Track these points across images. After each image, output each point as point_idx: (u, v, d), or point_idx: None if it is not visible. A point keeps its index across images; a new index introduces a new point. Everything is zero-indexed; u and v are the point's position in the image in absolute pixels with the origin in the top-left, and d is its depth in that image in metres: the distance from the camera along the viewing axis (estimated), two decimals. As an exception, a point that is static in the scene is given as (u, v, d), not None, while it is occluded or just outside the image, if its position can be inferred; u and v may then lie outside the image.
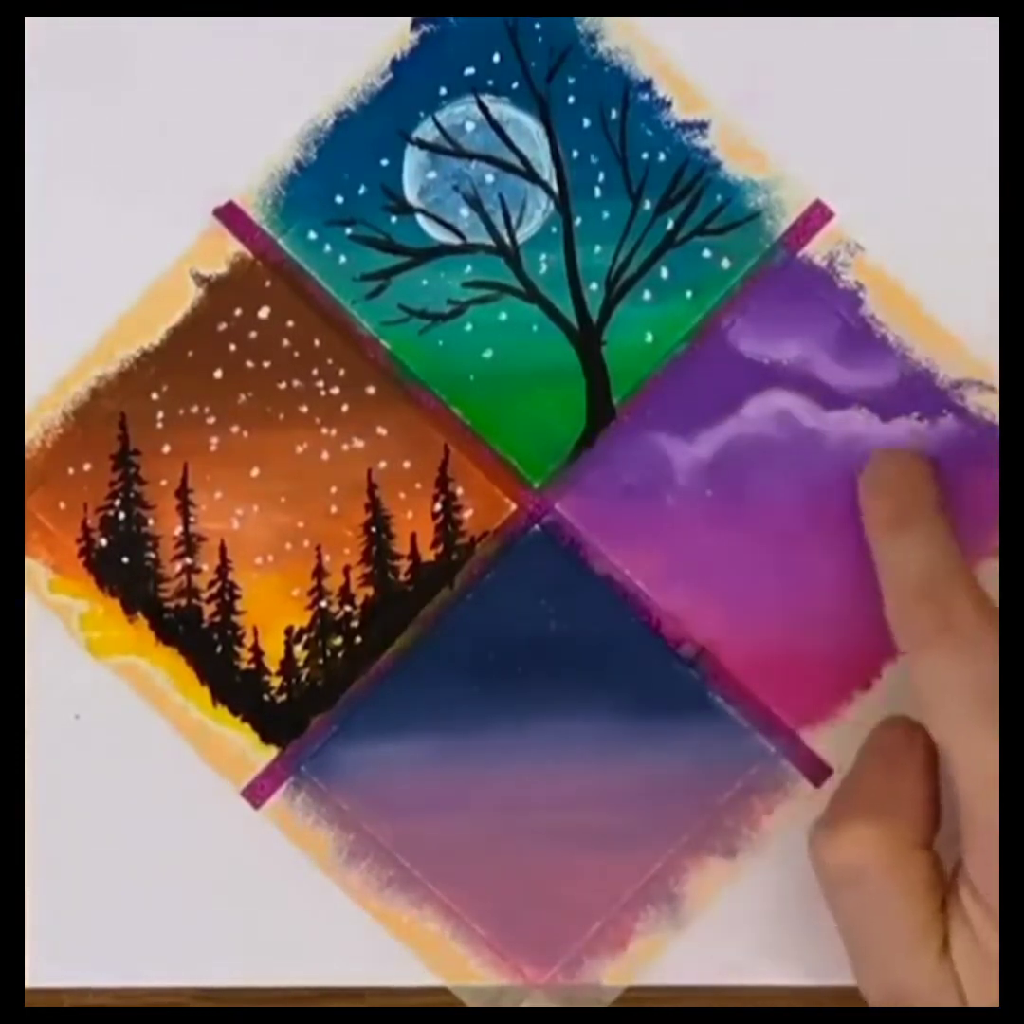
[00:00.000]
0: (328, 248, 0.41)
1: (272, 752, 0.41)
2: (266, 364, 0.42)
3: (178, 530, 0.42)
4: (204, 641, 0.41)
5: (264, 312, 0.42)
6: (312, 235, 0.41)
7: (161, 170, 0.41)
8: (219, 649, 0.41)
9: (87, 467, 0.42)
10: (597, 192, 0.41)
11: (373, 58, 0.41)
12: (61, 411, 0.41)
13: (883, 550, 0.38)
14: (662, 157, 0.41)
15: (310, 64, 0.41)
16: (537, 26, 0.41)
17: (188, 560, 0.42)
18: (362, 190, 0.41)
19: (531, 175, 0.41)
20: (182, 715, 0.41)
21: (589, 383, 0.41)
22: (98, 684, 0.41)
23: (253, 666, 0.41)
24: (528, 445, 0.42)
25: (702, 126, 0.41)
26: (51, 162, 0.41)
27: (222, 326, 0.42)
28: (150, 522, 0.42)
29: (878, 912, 0.36)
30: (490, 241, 0.41)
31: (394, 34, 0.41)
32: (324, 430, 0.41)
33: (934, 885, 0.36)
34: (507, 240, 0.41)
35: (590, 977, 0.41)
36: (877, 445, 0.41)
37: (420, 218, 0.41)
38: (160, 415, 0.41)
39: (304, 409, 0.42)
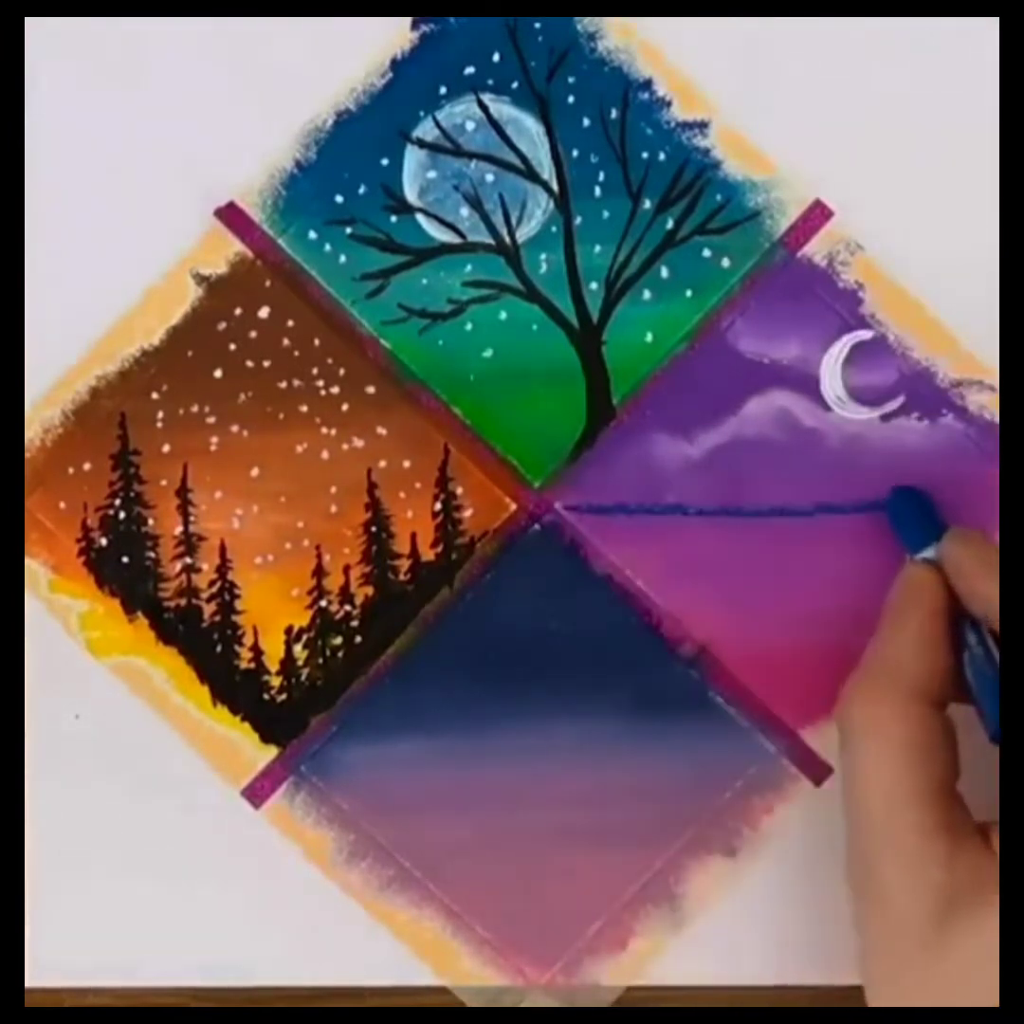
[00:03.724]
0: (328, 248, 0.41)
1: (272, 752, 0.41)
2: (266, 364, 0.42)
3: (178, 530, 0.42)
4: (204, 641, 0.41)
5: (264, 312, 0.42)
6: (312, 235, 0.41)
7: (161, 170, 0.41)
8: (219, 649, 0.41)
9: (87, 467, 0.42)
10: (597, 192, 0.41)
11: (373, 58, 0.41)
12: (61, 411, 0.41)
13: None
14: (662, 157, 0.41)
15: (310, 64, 0.41)
16: (537, 26, 0.41)
17: (188, 560, 0.42)
18: (362, 190, 0.41)
19: (531, 175, 0.41)
20: (182, 715, 0.41)
21: (589, 383, 0.41)
22: (98, 684, 0.41)
23: (253, 666, 0.41)
24: (528, 445, 0.42)
25: (702, 126, 0.41)
26: (51, 162, 0.41)
27: (222, 326, 0.42)
28: (150, 522, 0.42)
29: (874, 771, 0.36)
30: (490, 241, 0.41)
31: (394, 34, 0.41)
32: (324, 430, 0.41)
33: (934, 747, 0.35)
34: (507, 240, 0.41)
35: (590, 977, 0.41)
36: (877, 445, 0.41)
37: (420, 217, 0.41)
38: (160, 415, 0.41)
39: (304, 409, 0.42)
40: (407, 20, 0.41)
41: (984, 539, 0.38)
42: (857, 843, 0.36)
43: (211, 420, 0.41)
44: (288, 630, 0.41)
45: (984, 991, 0.33)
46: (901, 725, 0.36)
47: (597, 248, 0.41)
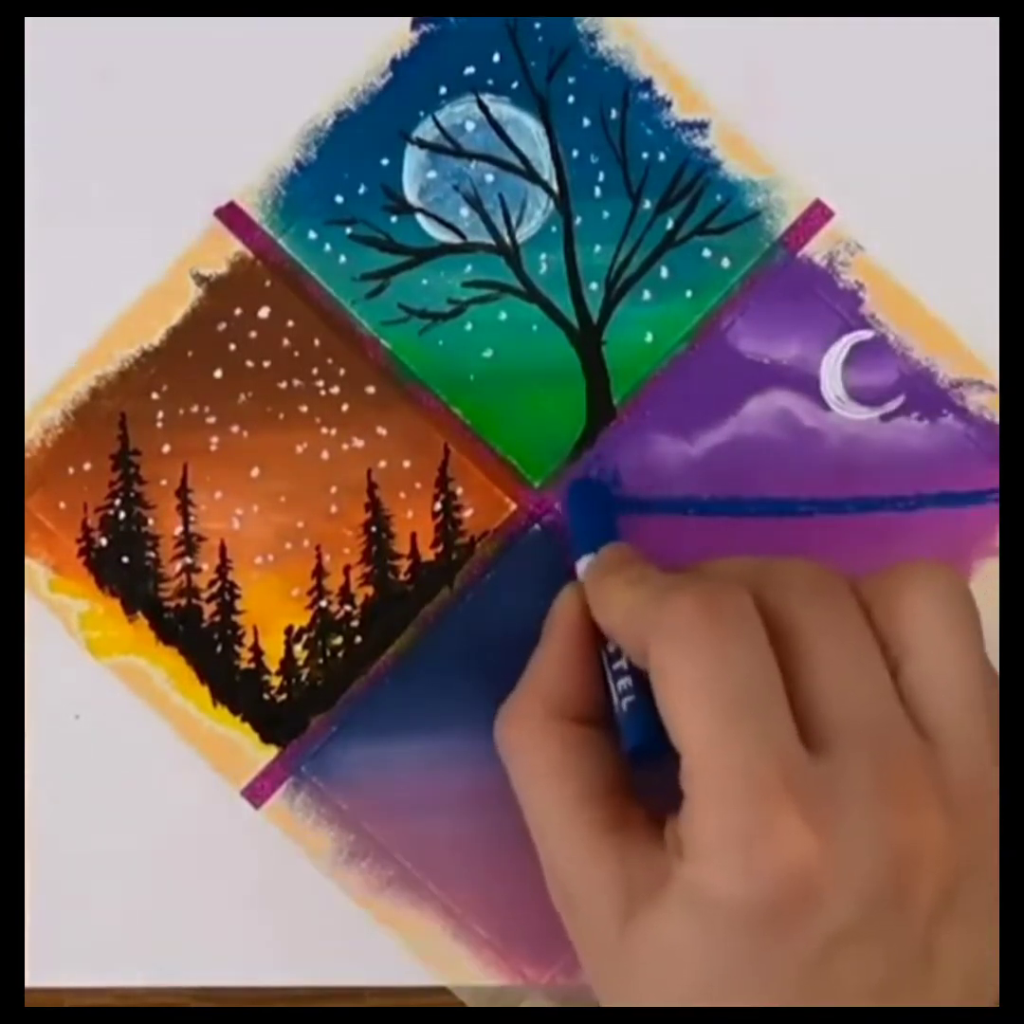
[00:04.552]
0: (328, 248, 0.41)
1: (272, 752, 0.41)
2: (266, 364, 0.42)
3: (178, 530, 0.42)
4: (204, 641, 0.41)
5: (264, 312, 0.42)
6: (312, 235, 0.41)
7: (161, 170, 0.41)
8: (219, 649, 0.41)
9: (87, 467, 0.41)
10: (597, 192, 0.41)
11: (373, 58, 0.41)
12: (61, 411, 0.41)
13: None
14: (662, 157, 0.41)
15: (310, 64, 0.41)
16: (537, 26, 0.41)
17: (188, 560, 0.42)
18: (362, 190, 0.41)
19: (531, 175, 0.41)
20: (182, 715, 0.41)
21: (589, 383, 0.41)
22: (98, 684, 0.41)
23: (253, 666, 0.41)
24: (528, 445, 0.42)
25: (702, 126, 0.41)
26: (51, 162, 0.41)
27: (222, 326, 0.42)
28: (150, 522, 0.42)
29: (531, 791, 0.36)
30: (490, 241, 0.41)
31: (394, 34, 0.41)
32: (324, 430, 0.41)
33: (581, 760, 0.36)
34: (507, 240, 0.41)
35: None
36: (877, 445, 0.41)
37: (420, 218, 0.41)
38: (160, 415, 0.41)
39: (304, 409, 0.42)
40: (407, 20, 0.41)
41: (623, 565, 0.38)
42: (543, 861, 0.37)
43: (211, 420, 0.41)
44: (288, 630, 0.41)
45: (673, 985, 0.33)
46: (542, 744, 0.36)
47: (597, 248, 0.41)
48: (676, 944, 0.33)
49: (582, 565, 0.39)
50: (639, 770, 0.37)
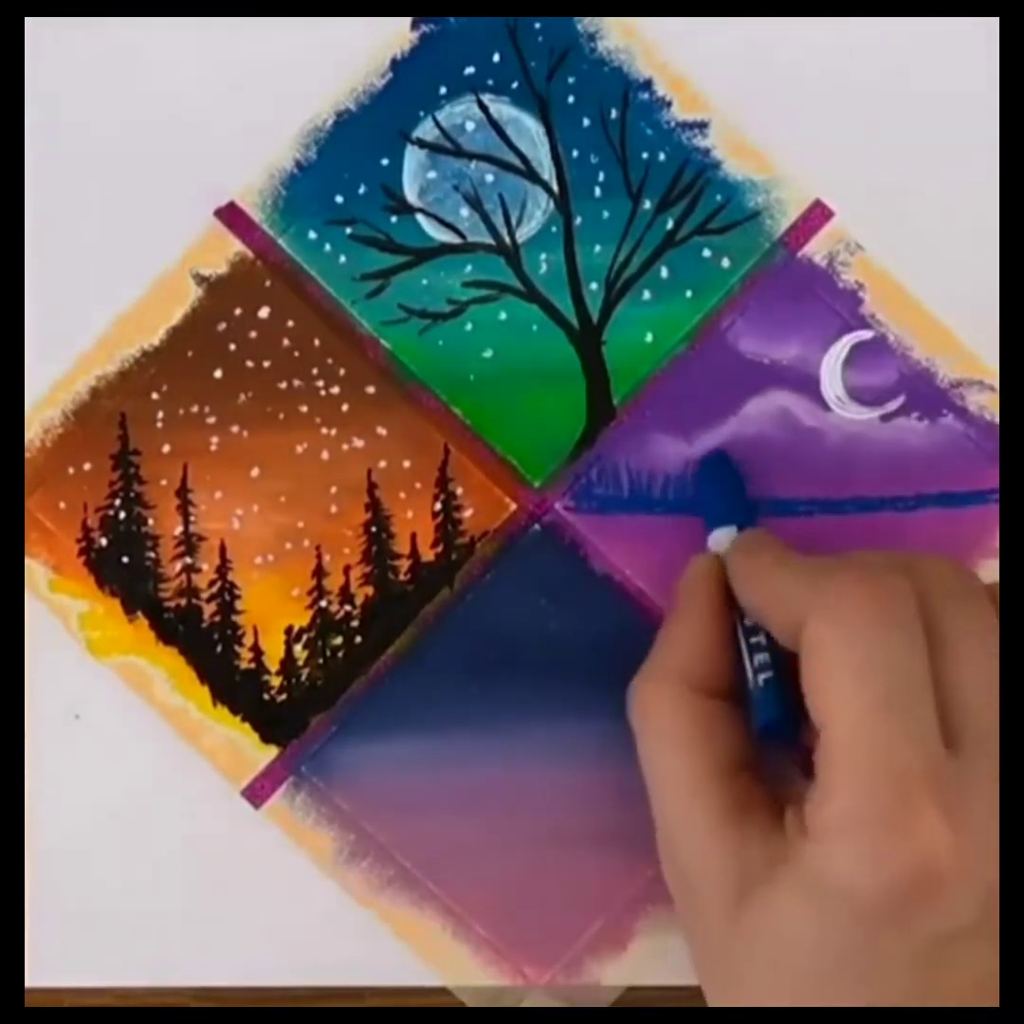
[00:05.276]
0: (328, 248, 0.41)
1: (272, 752, 0.41)
2: (266, 364, 0.42)
3: (178, 530, 0.42)
4: (204, 641, 0.41)
5: (264, 312, 0.42)
6: (312, 235, 0.41)
7: (161, 170, 0.41)
8: (219, 649, 0.41)
9: (87, 467, 0.41)
10: (597, 192, 0.41)
11: (373, 58, 0.41)
12: (61, 411, 0.41)
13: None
14: (662, 157, 0.41)
15: (310, 64, 0.41)
16: (537, 26, 0.41)
17: (188, 560, 0.41)
18: (362, 190, 0.41)
19: (531, 175, 0.41)
20: (182, 715, 0.41)
21: (589, 383, 0.41)
22: (98, 684, 0.41)
23: (253, 666, 0.41)
24: (528, 445, 0.42)
25: (702, 126, 0.41)
26: (51, 162, 0.41)
27: (222, 326, 0.42)
28: (150, 522, 0.42)
29: (659, 761, 0.36)
30: (490, 241, 0.41)
31: (394, 34, 0.41)
32: (324, 430, 0.41)
33: (713, 735, 0.36)
34: (507, 240, 0.41)
35: (590, 977, 0.41)
36: (877, 445, 0.41)
37: (420, 218, 0.41)
38: (160, 415, 0.41)
39: (304, 409, 0.42)
40: (407, 20, 0.41)
41: (769, 546, 0.38)
42: (659, 831, 0.37)
43: (211, 420, 0.41)
44: (288, 630, 0.41)
45: (783, 969, 0.33)
46: (676, 716, 0.36)
47: (597, 248, 0.41)
48: (789, 927, 0.33)
49: (717, 537, 0.39)
50: (762, 749, 0.37)
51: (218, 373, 0.41)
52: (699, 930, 0.36)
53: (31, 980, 0.41)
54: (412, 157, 0.42)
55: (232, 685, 0.41)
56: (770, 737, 0.36)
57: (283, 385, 0.42)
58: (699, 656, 0.37)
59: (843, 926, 0.33)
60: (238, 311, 0.42)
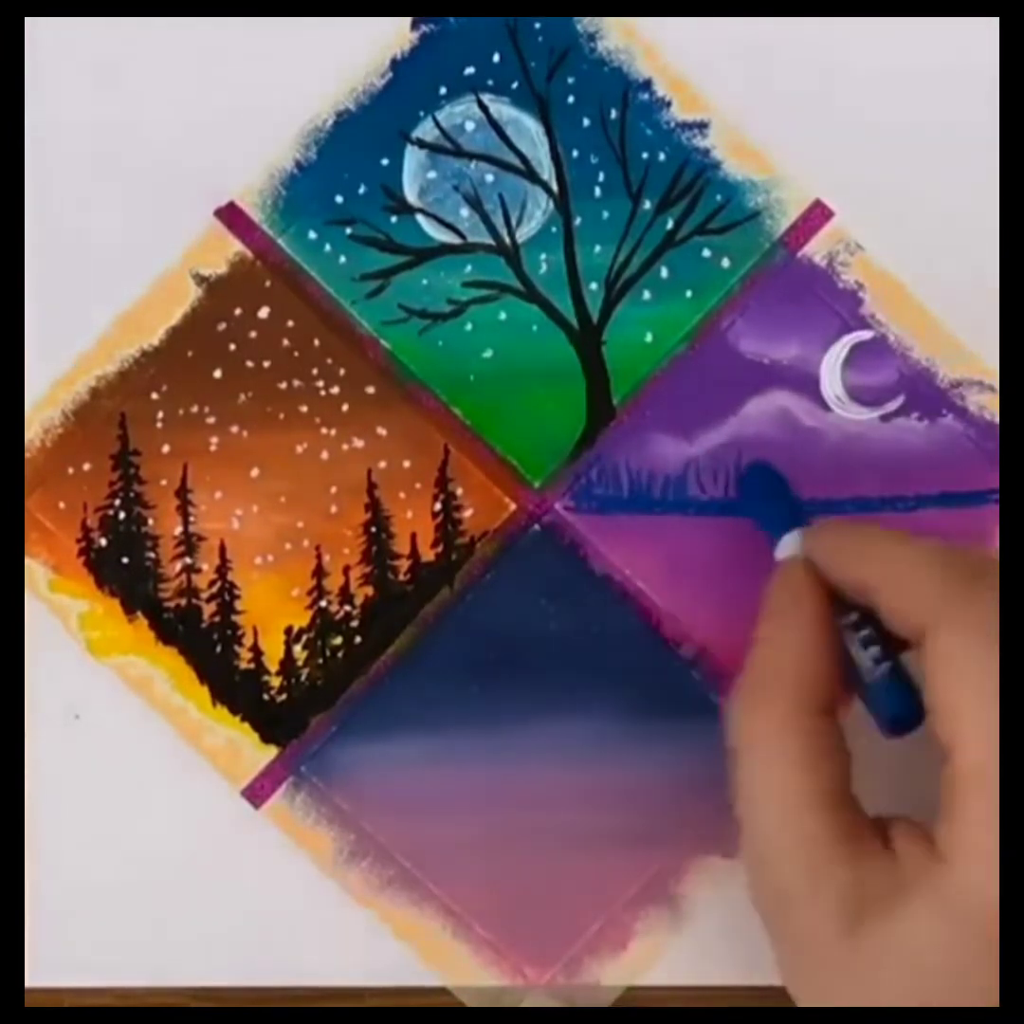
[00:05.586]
0: (328, 248, 0.41)
1: (272, 752, 0.41)
2: (266, 364, 0.42)
3: (178, 530, 0.42)
4: (204, 641, 0.41)
5: (264, 312, 0.42)
6: (312, 235, 0.41)
7: (161, 170, 0.41)
8: (219, 649, 0.41)
9: (87, 467, 0.41)
10: (597, 192, 0.41)
11: (373, 58, 0.41)
12: (61, 411, 0.41)
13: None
14: (662, 157, 0.41)
15: (310, 64, 0.41)
16: (537, 26, 0.41)
17: (188, 560, 0.41)
18: (362, 190, 0.41)
19: (531, 175, 0.41)
20: (182, 715, 0.41)
21: (589, 383, 0.41)
22: (98, 684, 0.41)
23: (253, 666, 0.41)
24: (528, 445, 0.42)
25: (702, 126, 0.41)
26: (51, 162, 0.41)
27: (222, 326, 0.42)
28: (150, 522, 0.42)
29: (768, 783, 0.35)
30: (490, 241, 0.41)
31: (394, 34, 0.41)
32: (324, 430, 0.41)
33: (823, 756, 0.35)
34: (507, 240, 0.41)
35: (590, 977, 0.41)
36: (877, 445, 0.41)
37: (420, 218, 0.41)
38: (160, 415, 0.41)
39: (304, 409, 0.42)
40: (407, 20, 0.41)
41: (848, 525, 0.37)
42: (753, 853, 0.35)
43: (211, 420, 0.41)
44: (288, 630, 0.41)
45: (917, 988, 0.33)
46: (788, 737, 0.35)
47: (597, 248, 0.41)
48: (924, 948, 0.32)
49: (787, 542, 0.38)
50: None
51: (218, 373, 0.41)
52: (801, 952, 0.35)
53: (31, 980, 0.41)
54: (412, 157, 0.42)
55: (232, 685, 0.41)
56: (900, 731, 0.35)
57: (283, 385, 0.42)
58: (808, 668, 0.36)
59: (981, 945, 0.32)
60: (238, 311, 0.42)
